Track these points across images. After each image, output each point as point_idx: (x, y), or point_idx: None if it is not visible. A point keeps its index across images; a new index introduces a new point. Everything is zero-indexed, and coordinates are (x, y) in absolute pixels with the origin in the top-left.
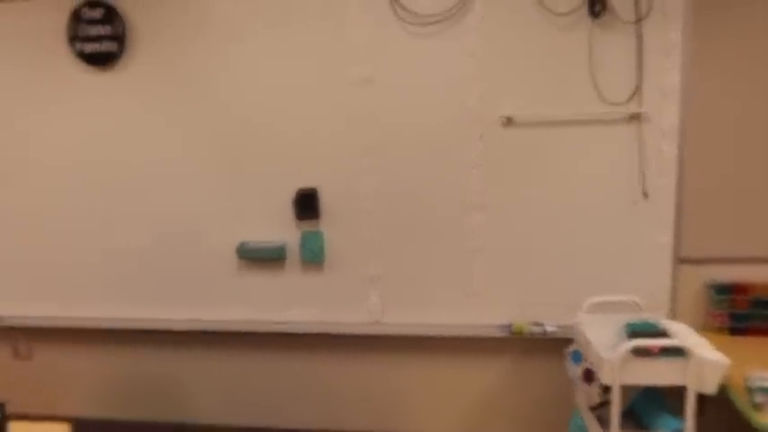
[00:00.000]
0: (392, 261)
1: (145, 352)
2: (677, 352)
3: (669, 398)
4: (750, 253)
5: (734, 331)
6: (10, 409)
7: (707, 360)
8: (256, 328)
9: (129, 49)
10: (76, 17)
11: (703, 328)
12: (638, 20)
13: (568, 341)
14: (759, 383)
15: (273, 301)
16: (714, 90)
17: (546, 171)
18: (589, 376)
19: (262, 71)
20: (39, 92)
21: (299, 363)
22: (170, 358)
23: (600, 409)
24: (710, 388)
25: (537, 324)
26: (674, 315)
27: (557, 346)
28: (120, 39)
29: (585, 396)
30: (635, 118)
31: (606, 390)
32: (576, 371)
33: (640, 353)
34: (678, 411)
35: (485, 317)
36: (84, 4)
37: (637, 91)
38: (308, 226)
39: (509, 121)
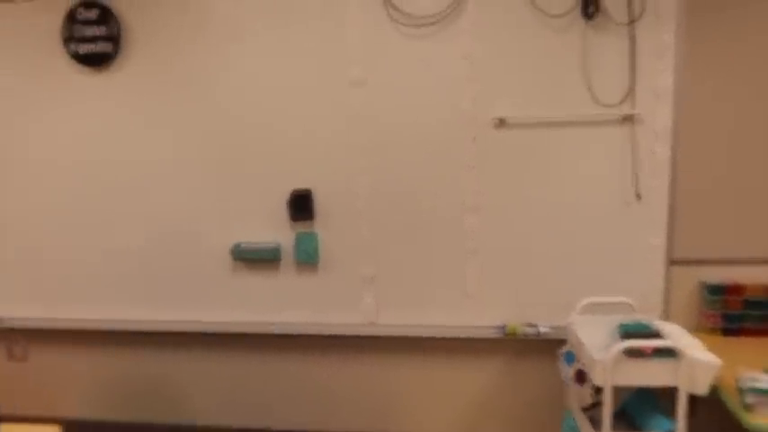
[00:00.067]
0: (386, 262)
1: (140, 353)
2: (669, 353)
3: (662, 399)
4: (743, 254)
5: (727, 332)
6: (4, 410)
7: (698, 361)
8: (251, 329)
9: (124, 49)
10: (71, 18)
11: (696, 329)
12: (632, 21)
13: (562, 342)
14: (750, 384)
15: (268, 302)
16: (707, 92)
17: (539, 173)
18: (581, 377)
19: (257, 72)
20: (33, 93)
21: (294, 364)
22: (164, 359)
23: (592, 410)
24: (702, 389)
25: (531, 325)
26: (667, 316)
27: (550, 347)
28: (115, 39)
29: (578, 397)
30: (628, 119)
31: (598, 391)
32: (568, 372)
33: (633, 354)
34: (671, 412)
35: (479, 318)
36: (80, 5)
37: (630, 92)
38: (302, 227)
39: (502, 123)
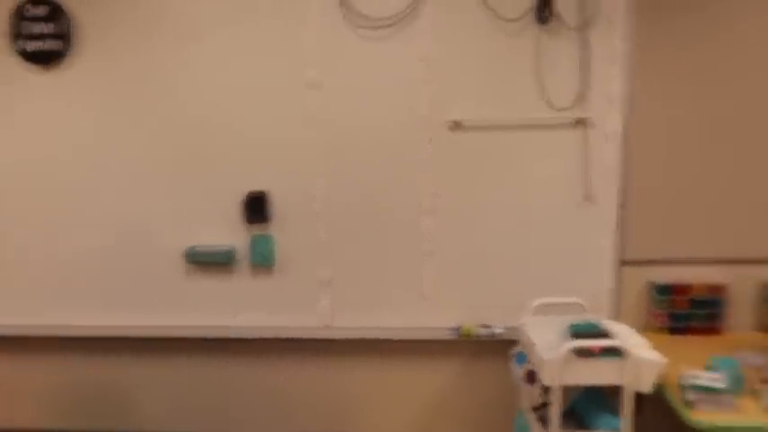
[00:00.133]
0: (343, 265)
1: (91, 359)
2: (616, 352)
3: (610, 397)
4: (690, 254)
5: (673, 331)
6: None
7: (643, 359)
8: (205, 333)
9: (75, 47)
10: (19, 14)
11: (645, 328)
12: (584, 27)
13: (516, 343)
14: (691, 381)
15: (223, 305)
16: (656, 97)
17: (494, 175)
18: (532, 377)
19: (212, 72)
20: None
21: (249, 368)
22: (117, 365)
23: (542, 410)
24: (646, 387)
25: (485, 326)
26: (617, 316)
27: (504, 347)
28: (65, 37)
29: (529, 397)
30: (581, 123)
31: (548, 390)
32: (519, 372)
33: (581, 353)
34: (618, 410)
35: (434, 320)
36: (27, 2)
37: (582, 96)
38: (258, 229)
39: (457, 125)
